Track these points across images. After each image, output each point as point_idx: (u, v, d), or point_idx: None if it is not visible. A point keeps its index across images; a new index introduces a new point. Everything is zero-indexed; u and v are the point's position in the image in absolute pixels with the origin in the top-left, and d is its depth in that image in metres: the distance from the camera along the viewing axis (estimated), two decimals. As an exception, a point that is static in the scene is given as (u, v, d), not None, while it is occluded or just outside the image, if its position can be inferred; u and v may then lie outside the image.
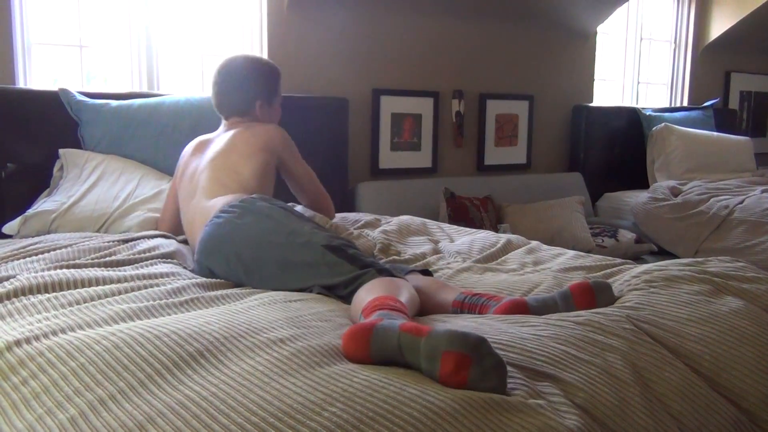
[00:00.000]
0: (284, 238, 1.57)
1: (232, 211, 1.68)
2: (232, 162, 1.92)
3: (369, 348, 0.99)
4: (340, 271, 1.47)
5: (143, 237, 1.87)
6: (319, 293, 1.45)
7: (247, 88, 2.12)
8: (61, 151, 2.28)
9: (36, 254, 1.64)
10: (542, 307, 1.29)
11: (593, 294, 1.30)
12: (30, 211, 2.08)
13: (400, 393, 0.88)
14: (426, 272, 1.62)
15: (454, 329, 0.94)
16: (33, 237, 1.95)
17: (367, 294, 1.27)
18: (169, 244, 1.82)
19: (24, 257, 1.62)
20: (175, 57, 2.91)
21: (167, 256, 1.72)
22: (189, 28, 2.93)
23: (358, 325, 1.02)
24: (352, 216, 2.42)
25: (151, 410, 0.85)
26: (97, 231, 2.08)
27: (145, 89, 2.80)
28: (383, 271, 1.44)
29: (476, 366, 0.92)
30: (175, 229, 2.06)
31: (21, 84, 2.53)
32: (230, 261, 1.59)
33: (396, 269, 1.56)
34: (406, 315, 1.14)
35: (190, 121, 2.42)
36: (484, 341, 0.93)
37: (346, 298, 1.42)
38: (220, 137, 2.05)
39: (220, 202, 1.77)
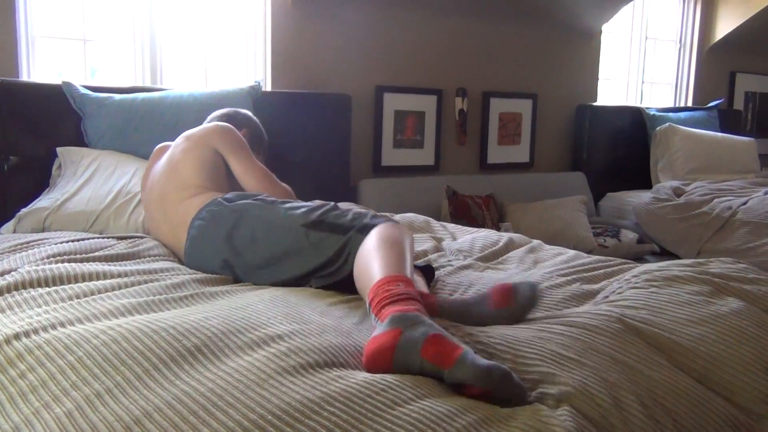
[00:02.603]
0: (263, 234, 1.56)
1: (202, 219, 1.67)
2: (179, 160, 1.87)
3: (391, 369, 0.97)
4: (327, 244, 1.46)
5: (140, 236, 1.87)
6: (317, 287, 1.44)
7: (241, 117, 2.13)
8: (58, 149, 2.28)
9: (36, 248, 1.64)
10: (451, 309, 1.26)
11: (511, 294, 1.25)
12: (24, 210, 2.09)
13: (398, 395, 0.88)
14: (428, 268, 1.61)
15: (477, 363, 0.92)
16: (29, 234, 1.95)
17: (366, 266, 1.25)
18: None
19: (24, 251, 1.62)
20: (178, 52, 2.91)
21: (167, 255, 1.73)
22: (193, 23, 2.92)
23: (379, 347, 0.99)
24: (357, 209, 2.43)
25: (148, 405, 0.85)
26: (90, 228, 2.08)
27: (148, 83, 2.80)
28: (364, 228, 1.42)
29: (498, 396, 0.92)
30: None
31: (24, 77, 2.53)
32: (221, 268, 1.59)
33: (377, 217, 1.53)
34: (411, 296, 1.11)
35: (194, 115, 2.42)
36: (508, 376, 0.92)
37: (338, 272, 1.42)
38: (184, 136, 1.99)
39: (187, 210, 1.75)
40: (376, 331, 1.04)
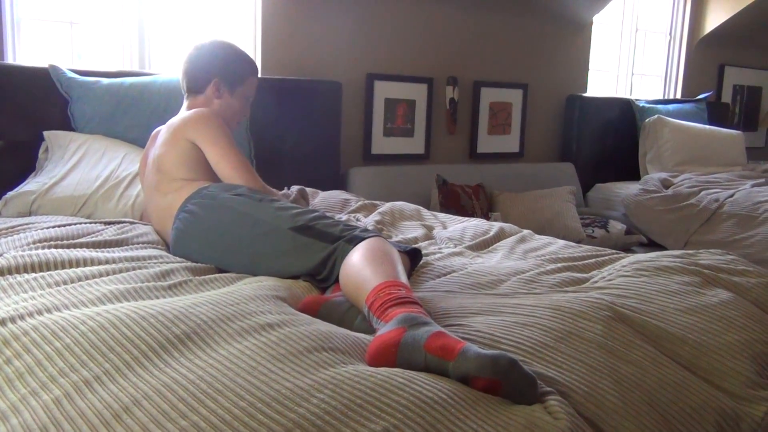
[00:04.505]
0: (248, 230, 1.53)
1: (187, 212, 1.66)
2: (161, 154, 1.83)
3: (395, 365, 0.97)
4: (313, 250, 1.43)
5: (130, 221, 1.85)
6: (306, 280, 1.44)
7: (206, 63, 1.96)
8: (45, 133, 2.25)
9: (23, 233, 1.62)
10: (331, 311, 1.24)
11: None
12: (10, 193, 2.06)
13: (387, 381, 0.87)
14: (415, 251, 1.60)
15: (482, 353, 0.92)
16: (16, 218, 1.93)
17: (358, 273, 1.24)
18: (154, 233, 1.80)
19: (10, 236, 1.60)
20: (166, 36, 2.87)
21: (156, 243, 1.71)
22: (181, 6, 2.89)
23: (383, 343, 0.98)
24: (348, 197, 2.43)
25: (137, 392, 0.84)
26: (78, 212, 2.06)
27: (136, 68, 2.77)
28: (353, 240, 1.40)
29: (507, 388, 0.90)
30: None
31: (10, 60, 2.49)
32: (206, 262, 1.58)
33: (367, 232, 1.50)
34: (413, 300, 1.12)
35: (182, 101, 2.39)
36: (514, 364, 0.90)
37: (326, 280, 1.40)
38: (167, 125, 1.94)
39: (172, 201, 1.74)
40: (380, 331, 1.03)
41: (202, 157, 1.82)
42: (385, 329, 1.02)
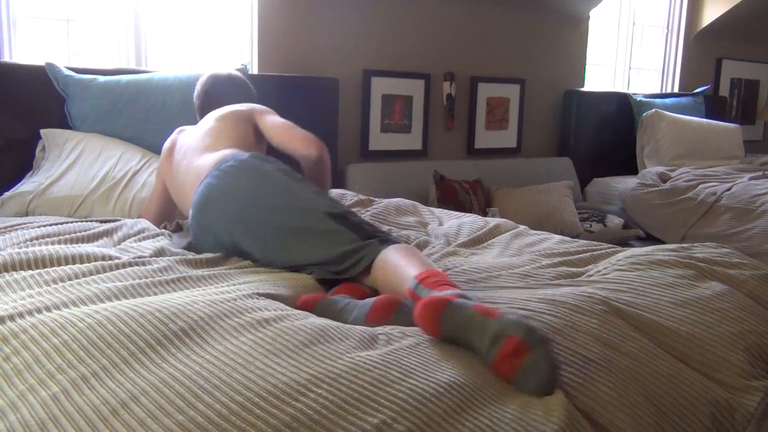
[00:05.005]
0: (283, 201, 1.51)
1: (227, 168, 1.62)
2: (222, 127, 1.88)
3: (441, 322, 1.01)
4: (342, 240, 1.41)
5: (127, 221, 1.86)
6: (314, 273, 1.42)
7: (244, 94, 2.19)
8: (42, 131, 2.25)
9: (19, 230, 1.62)
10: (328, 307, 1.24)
11: (393, 309, 1.18)
12: (7, 194, 2.06)
13: (384, 375, 0.88)
14: None
15: (522, 318, 0.97)
16: (12, 218, 1.93)
17: (399, 263, 1.27)
18: (154, 228, 1.80)
19: (7, 233, 1.61)
20: (163, 33, 2.87)
21: (155, 236, 1.71)
22: (178, 3, 2.89)
23: (435, 298, 1.03)
24: (343, 192, 2.43)
25: (134, 388, 0.85)
26: (75, 213, 2.06)
27: (132, 66, 2.77)
28: (387, 241, 1.39)
29: (531, 355, 0.92)
30: (160, 220, 2.03)
31: (6, 58, 2.49)
32: (228, 221, 1.53)
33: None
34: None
35: (179, 98, 2.40)
36: (547, 341, 0.95)
37: (340, 273, 1.39)
38: (208, 117, 2.01)
39: (212, 158, 1.72)
40: (435, 292, 1.09)
41: (258, 140, 1.95)
42: (442, 293, 1.07)
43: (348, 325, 1.09)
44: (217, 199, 1.57)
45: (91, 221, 1.80)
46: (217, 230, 1.56)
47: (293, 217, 1.48)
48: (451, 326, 1.00)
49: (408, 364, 0.93)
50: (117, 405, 0.82)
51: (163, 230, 1.80)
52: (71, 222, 1.75)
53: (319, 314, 1.17)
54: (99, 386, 0.86)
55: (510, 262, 1.59)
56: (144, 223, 1.82)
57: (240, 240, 1.52)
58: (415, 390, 0.86)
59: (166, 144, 2.06)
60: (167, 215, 2.04)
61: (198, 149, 1.84)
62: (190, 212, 1.66)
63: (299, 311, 1.14)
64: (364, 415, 0.80)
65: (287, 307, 1.15)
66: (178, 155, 1.93)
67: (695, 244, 1.61)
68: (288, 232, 1.47)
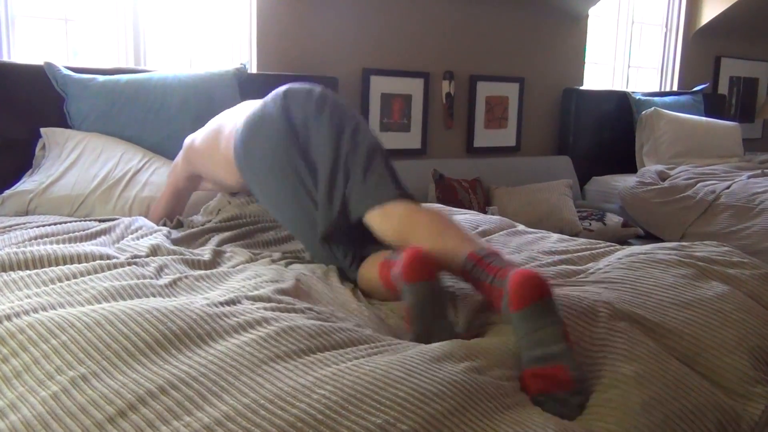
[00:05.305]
0: (364, 138, 1.52)
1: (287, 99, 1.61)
2: None
3: (544, 302, 1.00)
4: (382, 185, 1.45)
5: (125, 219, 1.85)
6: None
7: None
8: (42, 130, 2.25)
9: (18, 230, 1.62)
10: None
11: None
12: (7, 192, 2.06)
13: (386, 375, 0.88)
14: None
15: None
16: (12, 218, 1.92)
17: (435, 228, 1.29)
18: (151, 225, 1.80)
19: (6, 233, 1.60)
20: (162, 32, 2.87)
21: (153, 232, 1.71)
22: (176, 4, 2.88)
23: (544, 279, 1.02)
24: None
25: (139, 389, 0.85)
26: (75, 212, 2.05)
27: (131, 65, 2.76)
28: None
29: (568, 394, 0.94)
30: (167, 217, 2.02)
31: (4, 57, 2.49)
32: (286, 148, 1.53)
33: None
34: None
35: (178, 98, 2.39)
36: (587, 393, 0.96)
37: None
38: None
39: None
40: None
41: None
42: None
43: (349, 325, 1.09)
44: (262, 132, 1.59)
45: (89, 220, 1.79)
46: (260, 156, 1.57)
47: (371, 157, 1.54)
48: (539, 313, 0.99)
49: (410, 363, 0.93)
50: (124, 406, 0.82)
51: (161, 227, 1.79)
52: (69, 222, 1.75)
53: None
54: (101, 386, 0.86)
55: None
56: (141, 220, 1.82)
57: (279, 165, 1.54)
58: (418, 389, 0.86)
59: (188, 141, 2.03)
60: (174, 214, 2.05)
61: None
62: (238, 140, 1.65)
63: (298, 311, 1.13)
64: (368, 415, 0.80)
65: (287, 306, 1.15)
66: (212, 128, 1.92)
67: (695, 243, 1.60)
68: (364, 172, 1.50)
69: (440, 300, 1.16)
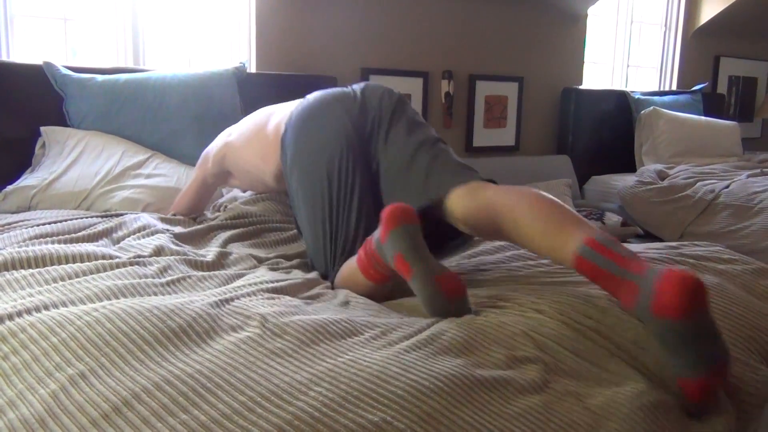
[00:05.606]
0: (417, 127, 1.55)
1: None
2: None
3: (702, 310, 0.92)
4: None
5: (128, 214, 1.85)
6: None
7: None
8: (42, 129, 2.25)
9: (20, 229, 1.62)
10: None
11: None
12: (10, 187, 2.06)
13: (383, 371, 0.88)
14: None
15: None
16: (14, 213, 1.93)
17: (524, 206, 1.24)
18: (155, 224, 1.80)
19: (7, 232, 1.60)
20: (161, 32, 2.87)
21: (156, 231, 1.71)
22: (175, 3, 2.88)
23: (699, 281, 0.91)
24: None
25: (135, 386, 0.85)
26: (78, 207, 2.06)
27: (130, 64, 2.76)
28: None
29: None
30: (190, 212, 2.02)
31: (3, 57, 2.49)
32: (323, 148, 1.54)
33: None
34: None
35: (177, 97, 2.39)
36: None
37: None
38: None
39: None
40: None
41: None
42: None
43: (349, 321, 1.09)
44: (322, 115, 1.62)
45: (91, 216, 1.79)
46: (322, 138, 1.57)
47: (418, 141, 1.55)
48: (703, 324, 0.90)
49: (407, 358, 0.93)
50: (119, 402, 0.82)
51: (165, 228, 1.79)
52: (71, 219, 1.75)
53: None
54: (98, 383, 0.86)
55: (501, 257, 1.59)
56: (145, 219, 1.82)
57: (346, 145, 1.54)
58: (415, 386, 0.86)
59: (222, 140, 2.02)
60: (199, 208, 2.05)
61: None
62: (291, 127, 1.65)
63: (296, 309, 1.14)
64: (365, 412, 0.81)
65: (286, 305, 1.15)
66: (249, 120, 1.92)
67: (685, 243, 1.62)
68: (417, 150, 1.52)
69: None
